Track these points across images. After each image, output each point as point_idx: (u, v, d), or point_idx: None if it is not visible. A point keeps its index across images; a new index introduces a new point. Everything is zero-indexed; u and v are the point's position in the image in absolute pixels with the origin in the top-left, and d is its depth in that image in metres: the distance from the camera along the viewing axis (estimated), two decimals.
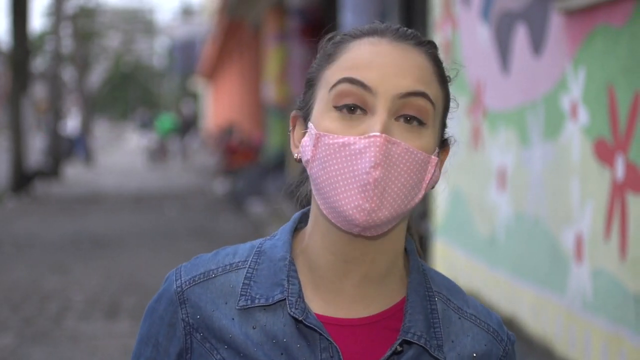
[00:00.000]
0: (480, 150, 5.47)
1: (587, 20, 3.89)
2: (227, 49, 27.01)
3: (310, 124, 1.18)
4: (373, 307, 1.20)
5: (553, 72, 4.30)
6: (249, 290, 1.20)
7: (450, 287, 1.27)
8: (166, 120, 30.03)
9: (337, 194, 1.12)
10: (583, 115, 3.92)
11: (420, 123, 1.14)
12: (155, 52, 67.76)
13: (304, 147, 1.18)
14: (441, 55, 1.22)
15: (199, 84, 51.71)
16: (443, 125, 1.21)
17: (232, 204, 14.55)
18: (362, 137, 1.11)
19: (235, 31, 21.78)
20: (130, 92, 53.99)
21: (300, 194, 1.29)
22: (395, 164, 1.12)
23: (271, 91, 15.33)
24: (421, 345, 1.18)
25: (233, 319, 1.19)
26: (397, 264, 1.22)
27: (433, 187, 1.21)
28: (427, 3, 7.07)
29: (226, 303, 1.20)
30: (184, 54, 46.58)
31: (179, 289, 1.22)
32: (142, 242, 10.44)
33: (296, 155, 1.21)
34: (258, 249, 1.24)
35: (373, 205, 1.11)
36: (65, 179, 20.80)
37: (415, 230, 1.31)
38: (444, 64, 1.22)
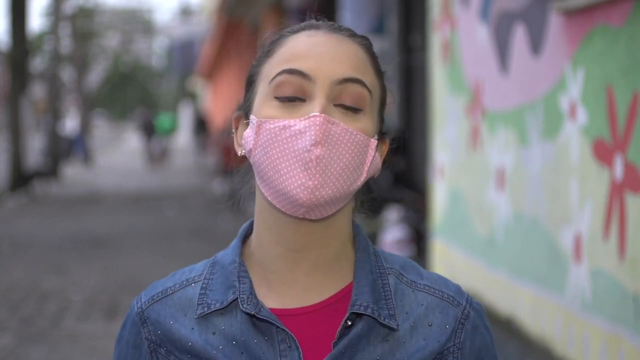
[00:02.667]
0: (479, 150, 5.47)
1: (586, 21, 3.89)
2: (225, 49, 27.01)
3: (251, 116, 1.21)
4: (326, 292, 1.22)
5: (552, 72, 4.30)
6: (205, 299, 1.23)
7: (404, 264, 1.28)
8: (165, 120, 30.02)
9: (280, 176, 1.15)
10: (582, 116, 3.93)
11: (356, 111, 1.18)
12: (154, 52, 67.77)
13: (246, 138, 1.21)
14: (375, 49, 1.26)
15: (198, 84, 51.71)
16: (381, 118, 1.24)
17: (233, 200, 14.53)
18: (302, 118, 1.14)
19: (234, 31, 21.77)
20: (129, 92, 53.98)
21: (241, 195, 1.34)
22: (336, 144, 1.14)
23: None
24: (370, 316, 1.19)
25: (193, 328, 1.22)
26: (345, 248, 1.25)
27: (374, 176, 1.24)
28: (426, 3, 7.07)
29: (185, 315, 1.23)
30: (183, 54, 46.59)
31: (139, 310, 1.26)
32: (141, 242, 10.44)
33: (239, 152, 1.25)
34: (212, 262, 1.28)
35: (316, 182, 1.13)
36: (64, 179, 20.79)
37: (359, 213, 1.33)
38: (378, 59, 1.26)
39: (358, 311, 1.19)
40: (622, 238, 3.53)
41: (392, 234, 7.28)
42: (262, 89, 1.21)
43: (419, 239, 7.38)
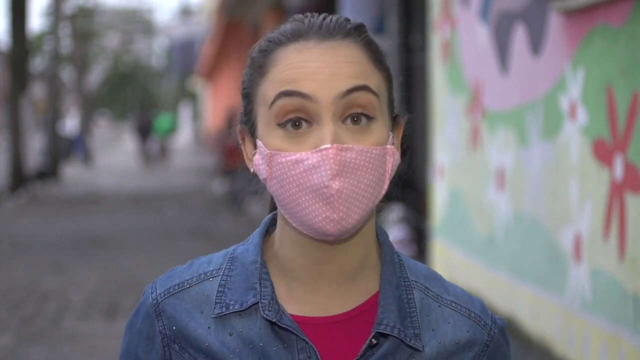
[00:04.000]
0: (479, 150, 5.47)
1: (586, 21, 3.89)
2: (225, 49, 27.02)
3: (259, 143, 1.16)
4: (349, 303, 1.19)
5: (552, 72, 4.30)
6: (223, 298, 1.19)
7: (429, 276, 1.25)
8: (165, 120, 30.01)
9: (302, 209, 1.11)
10: (582, 116, 3.93)
11: (369, 118, 1.12)
12: (154, 52, 67.77)
13: (257, 166, 1.17)
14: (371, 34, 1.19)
15: (198, 84, 51.71)
16: (392, 104, 1.19)
17: (231, 203, 14.55)
18: (313, 151, 1.09)
19: (234, 31, 21.78)
20: (129, 92, 53.98)
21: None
22: (354, 169, 1.10)
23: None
24: (396, 337, 1.16)
25: (209, 327, 1.19)
26: (370, 257, 1.21)
27: (397, 171, 1.19)
28: (426, 3, 7.07)
29: (202, 312, 1.20)
30: (183, 54, 46.58)
31: (154, 302, 1.22)
32: (141, 242, 10.44)
33: (252, 169, 1.20)
34: (231, 256, 1.24)
35: (341, 214, 1.09)
36: (64, 179, 20.79)
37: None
38: (378, 44, 1.19)
39: (384, 331, 1.16)
40: (622, 238, 3.53)
41: (393, 234, 7.28)
42: (263, 112, 1.15)
43: (419, 238, 7.38)
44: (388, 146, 1.14)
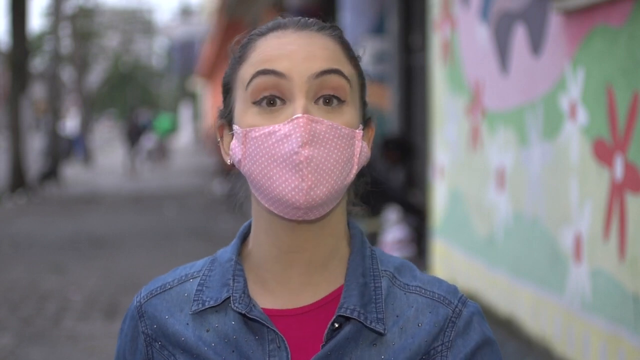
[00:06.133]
0: (479, 150, 5.47)
1: (586, 21, 3.89)
2: (225, 49, 26.89)
3: (235, 126, 1.21)
4: (318, 293, 1.23)
5: (552, 72, 4.30)
6: (200, 295, 1.25)
7: (400, 266, 1.28)
8: (165, 120, 30.02)
9: (273, 182, 1.15)
10: (582, 116, 3.93)
11: (340, 101, 1.17)
12: (154, 52, 67.76)
13: (233, 149, 1.22)
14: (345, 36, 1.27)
15: (198, 84, 51.72)
16: (363, 104, 1.24)
17: (231, 204, 14.54)
18: (285, 122, 1.14)
19: (234, 31, 21.73)
20: (129, 92, 53.97)
21: (240, 197, 1.36)
22: (323, 141, 1.14)
23: None
24: (357, 320, 1.19)
25: (187, 324, 1.24)
26: (339, 248, 1.25)
27: (365, 164, 1.23)
28: (426, 3, 7.07)
29: (181, 310, 1.25)
30: (183, 54, 46.60)
31: (138, 304, 1.28)
32: (140, 242, 10.44)
33: (228, 160, 1.26)
34: (212, 258, 1.30)
35: (310, 183, 1.13)
36: (64, 179, 20.79)
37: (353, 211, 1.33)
38: (350, 44, 1.26)
39: (345, 314, 1.19)
40: (622, 238, 3.53)
41: (393, 234, 7.28)
42: (240, 95, 1.21)
43: (419, 239, 7.38)
44: (357, 130, 1.19)
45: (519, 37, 4.80)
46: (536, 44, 4.54)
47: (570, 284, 4.07)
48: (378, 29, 9.83)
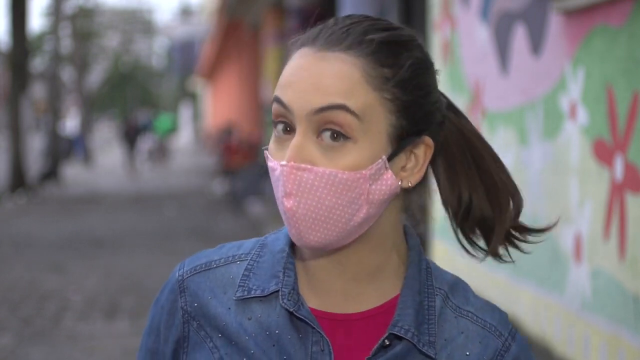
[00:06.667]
0: None
1: (586, 21, 3.89)
2: (226, 49, 27.02)
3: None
4: (367, 303, 1.19)
5: (552, 72, 4.30)
6: (247, 282, 1.20)
7: (454, 284, 1.24)
8: (165, 120, 30.02)
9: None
10: (582, 116, 3.93)
11: (346, 138, 1.08)
12: (154, 52, 67.77)
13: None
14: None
15: (198, 84, 51.73)
16: (401, 127, 1.12)
17: (231, 204, 14.55)
18: (278, 162, 1.10)
19: (234, 31, 21.78)
20: (129, 92, 53.97)
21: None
22: (312, 190, 1.08)
23: (270, 91, 15.33)
24: (409, 340, 1.15)
25: (229, 308, 1.20)
26: (389, 260, 1.19)
27: (409, 186, 1.15)
28: (426, 3, 7.07)
29: (225, 293, 1.21)
30: (183, 54, 46.63)
31: (179, 278, 1.23)
32: (140, 242, 10.45)
33: None
34: (262, 242, 1.25)
35: (298, 231, 1.10)
36: (64, 179, 20.80)
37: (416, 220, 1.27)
38: (396, 58, 1.12)
39: (398, 333, 1.15)
40: (622, 238, 3.53)
41: None
42: None
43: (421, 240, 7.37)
44: (364, 171, 1.09)
45: (519, 37, 4.80)
46: (536, 44, 4.53)
47: (570, 284, 4.07)
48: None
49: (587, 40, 3.88)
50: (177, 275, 1.24)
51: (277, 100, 1.11)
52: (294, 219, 1.09)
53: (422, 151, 1.16)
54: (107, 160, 30.20)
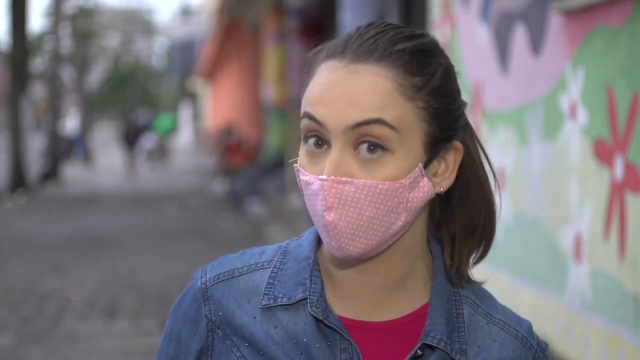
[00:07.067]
0: None
1: (586, 21, 3.89)
2: (226, 49, 27.02)
3: (299, 152, 1.17)
4: (394, 311, 1.18)
5: (552, 72, 4.30)
6: (272, 290, 1.19)
7: (480, 293, 1.24)
8: (165, 120, 30.03)
9: (317, 227, 1.13)
10: (582, 116, 3.93)
11: (384, 149, 1.09)
12: (154, 52, 67.78)
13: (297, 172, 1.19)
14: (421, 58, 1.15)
15: (198, 84, 51.73)
16: (433, 135, 1.13)
17: (231, 204, 14.55)
18: (316, 177, 1.10)
19: (234, 31, 21.79)
20: (129, 92, 53.97)
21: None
22: (352, 203, 1.08)
23: (270, 91, 15.34)
24: (442, 350, 1.15)
25: (255, 317, 1.19)
26: (416, 269, 1.19)
27: (441, 192, 1.16)
28: (426, 3, 7.07)
29: (249, 301, 1.20)
30: (183, 54, 46.63)
31: (203, 286, 1.22)
32: (141, 242, 10.45)
33: None
34: (284, 249, 1.24)
35: (340, 243, 1.10)
36: (64, 179, 20.80)
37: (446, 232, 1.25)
38: (427, 66, 1.15)
39: (431, 343, 1.15)
40: (622, 238, 3.53)
41: None
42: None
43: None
44: (403, 181, 1.10)
45: (519, 37, 4.80)
46: (536, 44, 4.54)
47: (570, 284, 4.07)
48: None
49: (587, 40, 3.88)
50: (199, 283, 1.23)
51: (309, 116, 1.11)
52: (334, 232, 1.09)
53: (452, 156, 1.17)
54: (107, 160, 30.20)
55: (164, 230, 11.45)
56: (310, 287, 1.17)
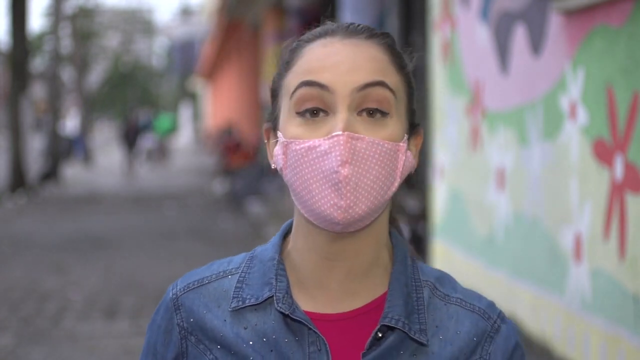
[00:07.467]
0: (479, 150, 5.47)
1: (586, 21, 3.89)
2: (226, 49, 27.02)
3: (279, 133, 1.20)
4: (359, 300, 1.22)
5: (552, 72, 4.30)
6: (240, 293, 1.24)
7: (440, 277, 1.28)
8: (165, 120, 30.03)
9: (313, 196, 1.15)
10: (582, 116, 3.93)
11: (383, 114, 1.16)
12: (154, 52, 67.77)
13: (276, 156, 1.21)
14: (397, 45, 1.25)
15: (198, 84, 51.73)
16: (411, 112, 1.23)
17: (231, 204, 14.55)
18: (325, 138, 1.14)
19: (234, 31, 21.78)
20: (129, 92, 53.96)
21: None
22: (364, 159, 1.14)
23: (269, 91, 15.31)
24: (401, 330, 1.19)
25: (225, 320, 1.23)
26: (380, 256, 1.24)
27: (410, 173, 1.23)
28: (426, 3, 7.07)
29: (219, 306, 1.24)
30: (183, 54, 46.63)
31: (174, 296, 1.27)
32: (141, 242, 10.45)
33: (273, 165, 1.24)
34: (251, 255, 1.29)
35: (349, 202, 1.13)
36: (64, 179, 20.80)
37: (398, 222, 1.32)
38: (402, 52, 1.24)
39: (389, 324, 1.19)
40: (622, 238, 3.53)
41: None
42: (285, 103, 1.20)
43: (418, 240, 7.38)
44: (401, 143, 1.18)
45: (519, 37, 4.80)
46: (536, 44, 4.54)
47: (570, 283, 4.07)
48: (378, 28, 9.83)
49: (587, 40, 3.88)
50: (170, 294, 1.28)
51: (309, 83, 1.16)
52: (347, 188, 1.13)
53: (417, 141, 1.25)
54: (107, 160, 30.20)
55: (164, 230, 11.45)
56: (276, 285, 1.22)
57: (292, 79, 1.19)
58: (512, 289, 4.90)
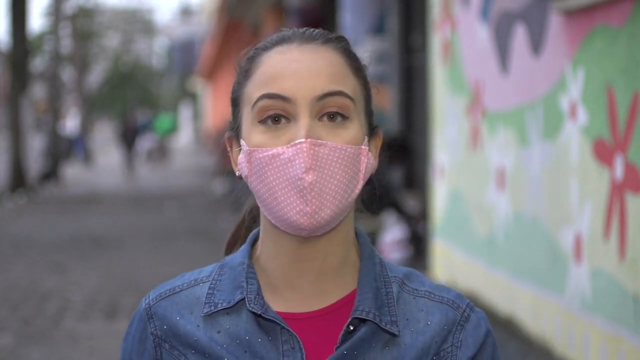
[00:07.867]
0: (479, 150, 5.47)
1: (586, 21, 3.89)
2: (226, 49, 27.03)
3: (242, 141, 1.23)
4: (330, 298, 1.24)
5: (552, 72, 4.30)
6: (212, 298, 1.26)
7: (408, 273, 1.30)
8: (165, 120, 30.03)
9: (279, 203, 1.17)
10: (582, 116, 3.93)
11: (344, 117, 1.18)
12: (154, 52, 67.73)
13: (240, 164, 1.24)
14: (353, 47, 1.26)
15: (198, 84, 51.72)
16: (369, 114, 1.25)
17: (231, 204, 14.54)
18: (289, 145, 1.15)
19: (234, 31, 21.78)
20: (129, 92, 53.94)
21: (249, 206, 1.40)
22: (327, 164, 1.16)
23: None
24: (372, 321, 1.21)
25: (198, 325, 1.25)
26: (349, 255, 1.26)
27: (371, 174, 1.25)
28: (426, 3, 7.07)
29: (192, 313, 1.26)
30: (183, 54, 46.59)
31: (146, 306, 1.29)
32: (141, 242, 10.44)
33: (237, 172, 1.28)
34: (221, 264, 1.31)
35: (314, 207, 1.15)
36: (64, 179, 20.79)
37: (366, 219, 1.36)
38: (358, 55, 1.26)
39: (360, 316, 1.21)
40: (622, 238, 3.53)
41: (392, 235, 7.28)
42: (247, 113, 1.22)
43: (418, 241, 7.38)
44: (362, 146, 1.19)
45: (519, 37, 4.80)
46: (536, 44, 4.54)
47: (570, 284, 4.07)
48: (378, 29, 9.83)
49: (587, 40, 3.88)
50: (143, 305, 1.30)
51: (269, 95, 1.18)
52: (312, 194, 1.15)
53: (377, 142, 1.27)
54: (107, 160, 30.20)
55: (164, 230, 11.44)
56: (247, 288, 1.24)
57: (253, 89, 1.21)
58: (512, 289, 4.90)
